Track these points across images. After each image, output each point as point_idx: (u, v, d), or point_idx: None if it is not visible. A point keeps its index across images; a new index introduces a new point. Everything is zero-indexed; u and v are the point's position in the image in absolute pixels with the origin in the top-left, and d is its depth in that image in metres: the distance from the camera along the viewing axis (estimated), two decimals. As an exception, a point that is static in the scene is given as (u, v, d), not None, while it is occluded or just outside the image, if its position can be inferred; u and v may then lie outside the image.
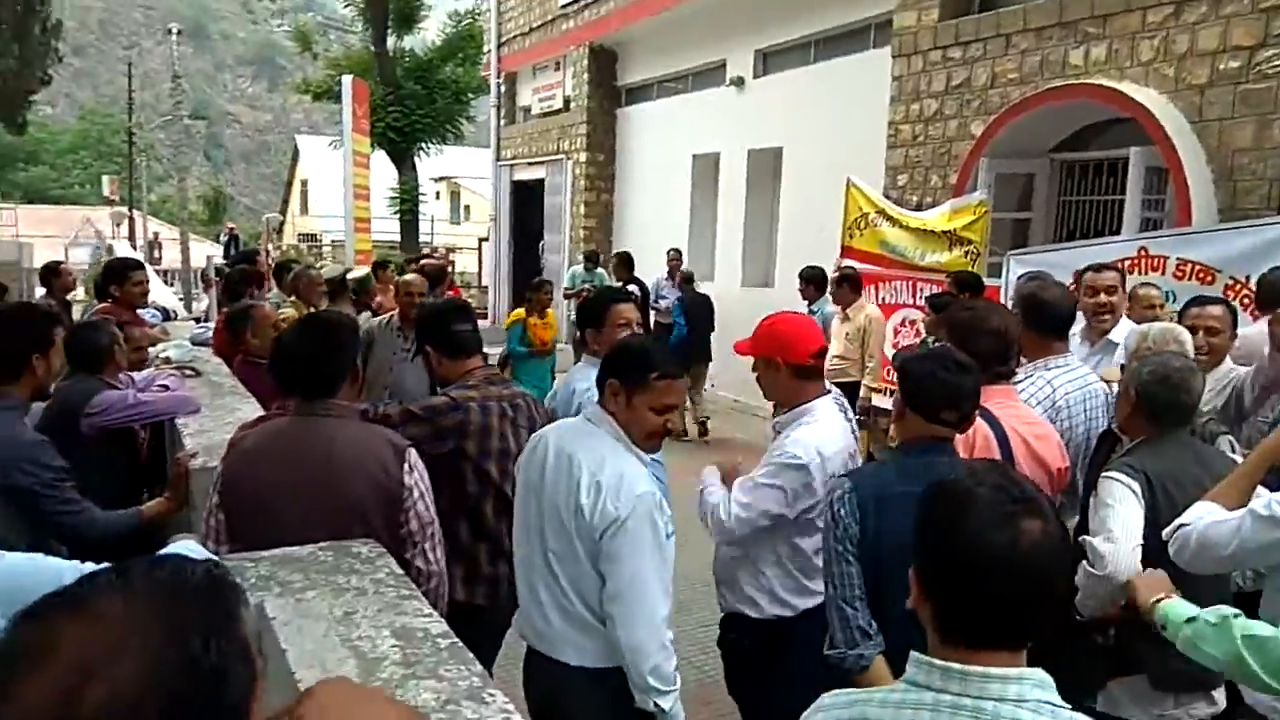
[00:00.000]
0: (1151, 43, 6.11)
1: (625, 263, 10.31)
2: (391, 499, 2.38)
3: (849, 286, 7.04)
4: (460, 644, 1.69)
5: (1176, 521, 2.29)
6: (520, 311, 7.62)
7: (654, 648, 2.27)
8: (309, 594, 1.86)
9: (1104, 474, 2.54)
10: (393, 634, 1.71)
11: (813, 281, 7.62)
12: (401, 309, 5.45)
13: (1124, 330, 3.87)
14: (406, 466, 2.42)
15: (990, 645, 1.29)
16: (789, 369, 2.75)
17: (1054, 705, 1.25)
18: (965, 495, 1.33)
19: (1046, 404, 3.13)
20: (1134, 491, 2.45)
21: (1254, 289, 4.55)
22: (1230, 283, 5.05)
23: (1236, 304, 4.43)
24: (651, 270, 10.58)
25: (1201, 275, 5.25)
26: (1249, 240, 5.13)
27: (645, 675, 2.26)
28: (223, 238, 24.23)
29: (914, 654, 1.34)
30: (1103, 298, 4.02)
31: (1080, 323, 3.99)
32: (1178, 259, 5.38)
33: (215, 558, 1.90)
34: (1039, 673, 1.28)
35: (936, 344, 3.22)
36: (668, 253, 10.66)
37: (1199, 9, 5.83)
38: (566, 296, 10.91)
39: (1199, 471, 2.51)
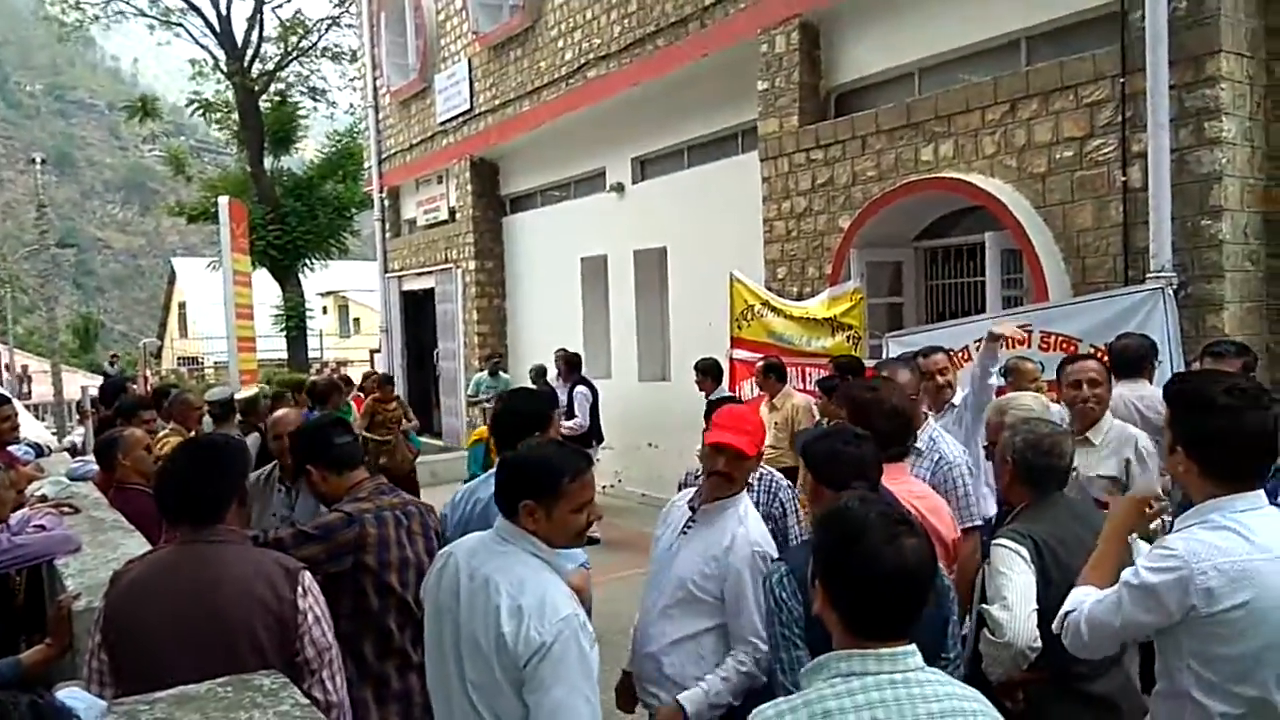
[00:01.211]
0: (993, 138, 6.65)
1: (571, 363, 9.96)
2: (285, 624, 2.27)
3: (775, 376, 7.07)
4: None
5: (1061, 611, 2.32)
6: (483, 430, 7.07)
7: None
8: (209, 733, 1.78)
9: (994, 542, 2.63)
10: (302, 766, 1.65)
11: (709, 373, 7.79)
12: (280, 456, 4.01)
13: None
14: (300, 590, 2.33)
15: (891, 634, 1.65)
16: (756, 458, 2.98)
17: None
18: (860, 520, 1.70)
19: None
20: (1023, 557, 2.55)
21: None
22: (1090, 350, 5.42)
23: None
24: (551, 368, 10.62)
25: (1064, 345, 5.63)
26: (1103, 311, 5.55)
27: None
28: (109, 366, 23.17)
29: (832, 654, 1.67)
30: (937, 379, 4.56)
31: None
32: (1041, 332, 5.76)
33: (103, 704, 1.81)
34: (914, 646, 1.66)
35: (831, 424, 3.38)
36: (555, 353, 10.62)
37: (1030, 106, 6.40)
38: (471, 404, 10.84)
39: (1080, 529, 2.64)
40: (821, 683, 1.63)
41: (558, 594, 2.25)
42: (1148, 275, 5.60)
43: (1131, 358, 4.55)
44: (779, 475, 3.56)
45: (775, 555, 2.78)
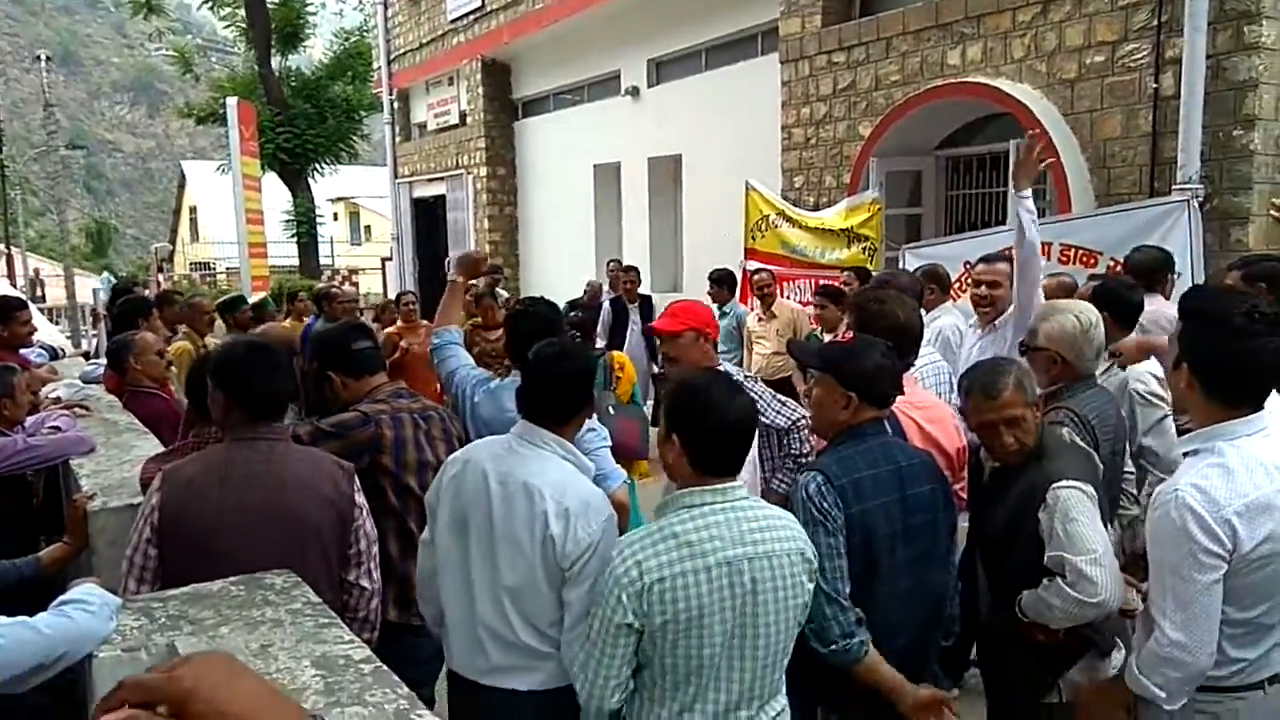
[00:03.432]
0: (1023, 41, 6.41)
1: (723, 282, 7.59)
2: (345, 519, 2.40)
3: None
4: (385, 668, 1.66)
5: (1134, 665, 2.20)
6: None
7: None
8: (222, 630, 1.81)
9: (1061, 485, 2.42)
10: (313, 664, 1.67)
11: (723, 283, 7.70)
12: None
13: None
14: (356, 485, 2.47)
15: (725, 471, 2.09)
16: (712, 340, 3.21)
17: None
18: (707, 385, 2.14)
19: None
20: (1094, 500, 2.43)
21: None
22: (1111, 263, 5.33)
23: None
24: (562, 279, 10.56)
25: (1084, 258, 5.53)
26: (1125, 223, 5.43)
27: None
28: (102, 286, 23.05)
29: (678, 493, 2.09)
30: (983, 289, 4.26)
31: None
32: (1061, 244, 5.65)
33: (116, 599, 1.83)
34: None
35: (830, 336, 3.30)
36: (607, 264, 10.21)
37: (1064, 8, 6.15)
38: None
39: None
40: (672, 515, 2.06)
41: (596, 495, 2.35)
42: (1174, 187, 5.46)
43: (1146, 269, 4.45)
44: (801, 413, 3.34)
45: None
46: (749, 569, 2.02)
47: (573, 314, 6.25)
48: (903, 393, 2.52)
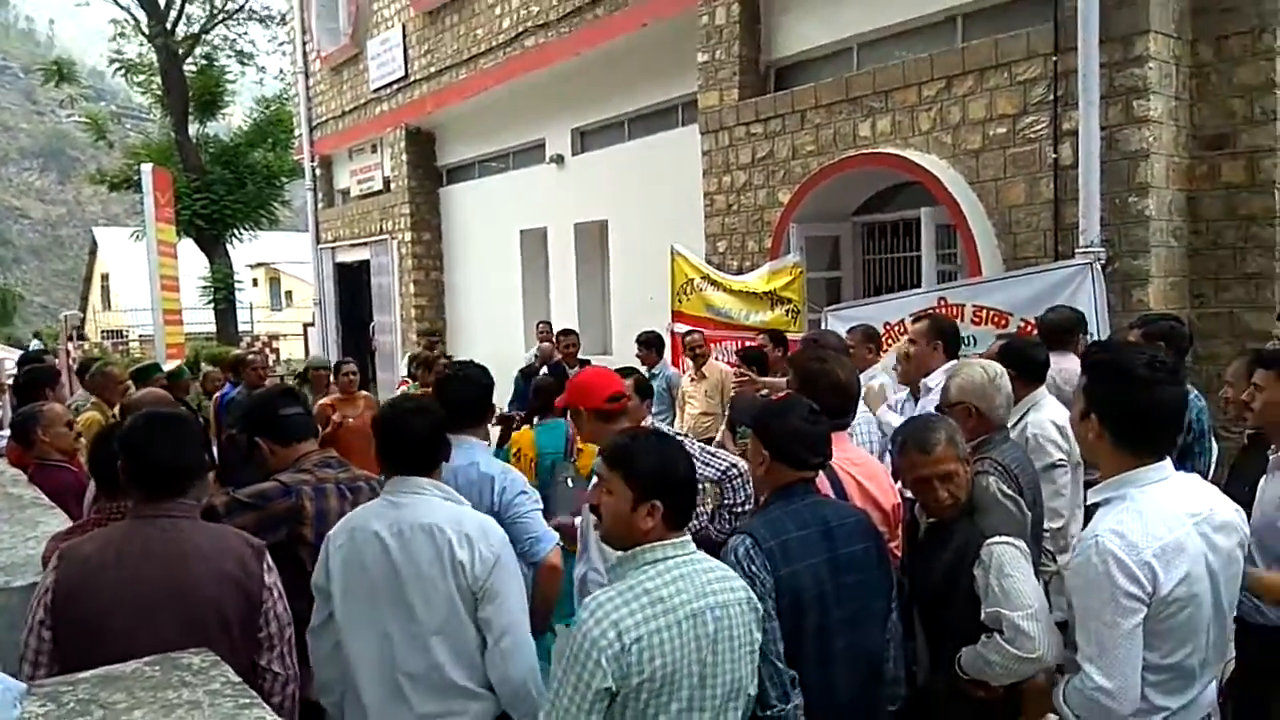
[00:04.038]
0: (929, 114, 6.73)
1: (652, 344, 7.70)
2: (252, 601, 2.28)
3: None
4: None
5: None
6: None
7: (534, 665, 2.45)
8: (135, 714, 1.72)
9: (994, 541, 2.48)
10: (234, 745, 1.60)
11: (651, 345, 7.76)
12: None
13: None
14: (265, 565, 2.34)
15: (683, 526, 2.14)
16: (589, 413, 3.13)
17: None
18: (664, 444, 2.18)
19: None
20: (1026, 556, 2.48)
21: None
22: (1022, 324, 5.55)
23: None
24: (491, 342, 10.48)
25: (996, 319, 5.75)
26: (1033, 285, 5.67)
27: (534, 694, 2.38)
28: (35, 340, 22.13)
29: (634, 550, 2.07)
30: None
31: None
32: (974, 306, 5.87)
33: (21, 685, 1.73)
34: None
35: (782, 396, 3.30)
36: (536, 326, 10.13)
37: (966, 83, 6.48)
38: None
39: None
40: (636, 571, 2.05)
41: (487, 519, 2.52)
42: (1077, 250, 5.73)
43: (1059, 329, 4.65)
44: (730, 462, 3.37)
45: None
46: (710, 619, 2.05)
47: (543, 377, 5.89)
48: (828, 457, 2.55)
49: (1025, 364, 3.77)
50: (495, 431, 5.41)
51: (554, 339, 8.85)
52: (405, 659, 2.36)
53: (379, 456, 2.58)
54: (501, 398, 8.03)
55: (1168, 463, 2.21)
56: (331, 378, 7.43)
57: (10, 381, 10.58)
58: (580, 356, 8.24)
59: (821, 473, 2.78)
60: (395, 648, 2.37)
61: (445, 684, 2.36)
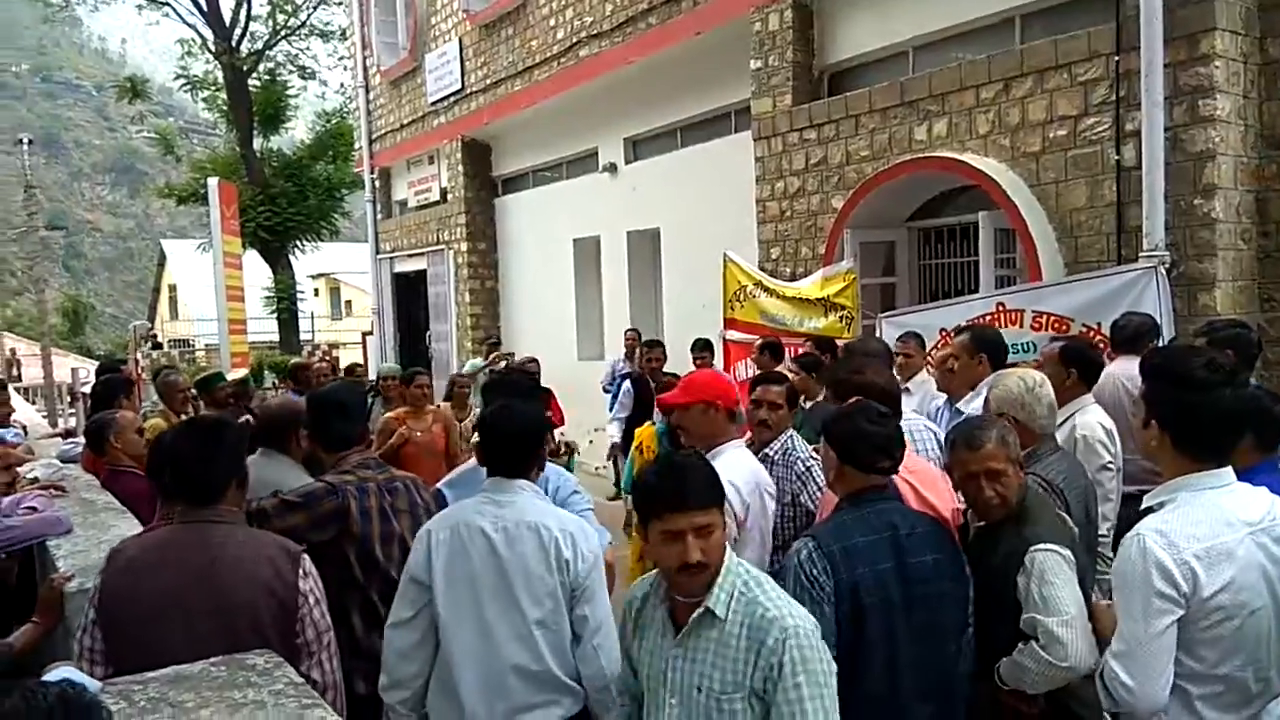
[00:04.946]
0: (986, 116, 6.62)
1: (706, 350, 8.06)
2: (286, 606, 2.29)
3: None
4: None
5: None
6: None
7: (619, 663, 2.45)
8: (204, 713, 1.78)
9: (1040, 547, 2.44)
10: (297, 745, 1.65)
11: (705, 351, 7.81)
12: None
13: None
14: (301, 572, 2.35)
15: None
16: (725, 412, 3.24)
17: None
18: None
19: None
20: (1071, 564, 2.43)
21: (1107, 335, 4.92)
22: (1082, 329, 5.43)
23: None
24: (545, 349, 10.57)
25: (1056, 325, 5.63)
26: (1095, 290, 5.55)
27: (614, 691, 2.44)
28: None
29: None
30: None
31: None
32: (1033, 311, 5.76)
33: (97, 684, 1.80)
34: None
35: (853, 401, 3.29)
36: (625, 333, 10.23)
37: (1025, 84, 6.37)
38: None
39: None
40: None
41: (581, 521, 2.66)
42: (1140, 254, 5.59)
43: (1130, 334, 4.55)
44: (799, 445, 3.51)
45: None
46: None
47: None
48: (898, 460, 2.54)
49: (1087, 365, 3.73)
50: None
51: (639, 348, 8.68)
52: (510, 651, 2.45)
53: (481, 458, 2.71)
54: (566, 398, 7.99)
55: (1229, 470, 2.17)
56: (404, 387, 6.67)
57: (86, 390, 10.96)
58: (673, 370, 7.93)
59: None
60: (498, 640, 2.46)
61: (546, 676, 2.45)
